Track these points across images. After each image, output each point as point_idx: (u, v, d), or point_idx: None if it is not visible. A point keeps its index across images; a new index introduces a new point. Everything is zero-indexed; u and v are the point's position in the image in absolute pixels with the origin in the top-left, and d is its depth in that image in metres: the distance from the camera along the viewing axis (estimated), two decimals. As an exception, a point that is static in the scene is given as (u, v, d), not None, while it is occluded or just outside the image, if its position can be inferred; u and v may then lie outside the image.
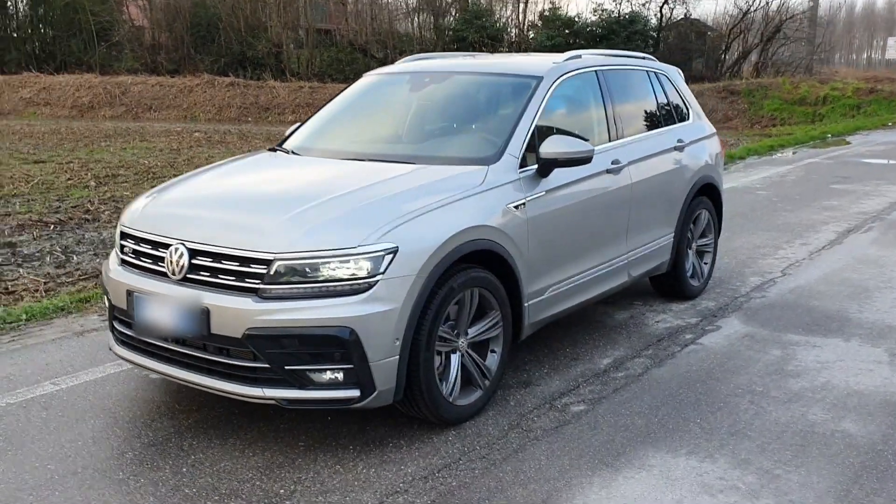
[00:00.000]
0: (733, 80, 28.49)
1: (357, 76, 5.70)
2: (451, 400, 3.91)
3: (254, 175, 4.60)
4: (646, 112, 5.77)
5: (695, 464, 3.60)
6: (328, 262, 3.49)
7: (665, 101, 5.91)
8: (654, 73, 5.91)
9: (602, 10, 31.37)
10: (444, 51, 28.68)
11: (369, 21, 33.91)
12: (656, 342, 5.18)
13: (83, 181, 12.20)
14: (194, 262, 3.65)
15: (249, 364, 3.55)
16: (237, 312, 3.51)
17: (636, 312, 5.79)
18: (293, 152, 4.86)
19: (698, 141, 6.07)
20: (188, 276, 3.66)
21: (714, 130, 6.47)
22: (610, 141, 5.12)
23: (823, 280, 6.59)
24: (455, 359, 3.97)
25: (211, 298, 3.55)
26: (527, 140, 4.42)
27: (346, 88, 5.49)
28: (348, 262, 3.50)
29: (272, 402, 3.58)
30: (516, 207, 4.21)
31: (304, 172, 4.51)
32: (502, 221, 4.11)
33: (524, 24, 33.95)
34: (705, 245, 6.26)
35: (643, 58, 6.05)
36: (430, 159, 4.40)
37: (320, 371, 3.53)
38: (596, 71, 5.21)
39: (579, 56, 5.21)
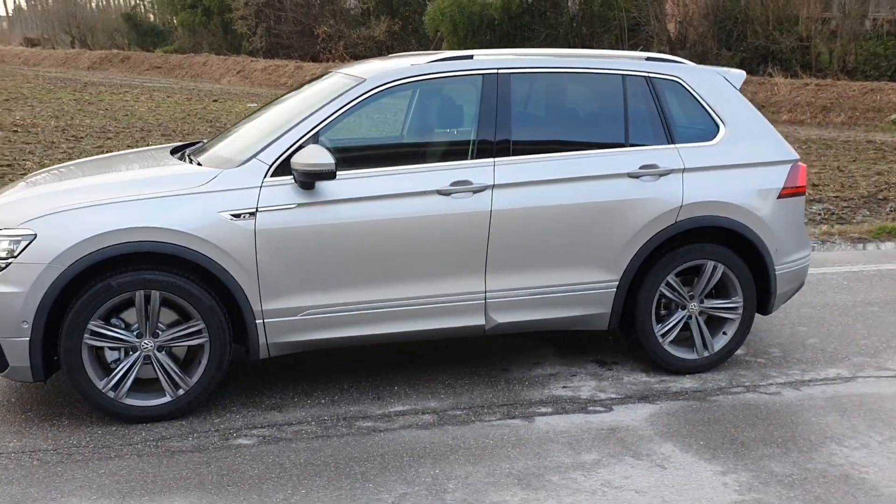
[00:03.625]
0: None
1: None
2: (113, 396, 3.95)
3: (92, 166, 4.86)
4: (588, 126, 4.63)
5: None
6: None
7: (645, 115, 4.58)
8: (645, 78, 4.61)
9: None
10: None
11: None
12: (488, 406, 4.26)
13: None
14: None
15: None
16: None
17: (571, 372, 4.72)
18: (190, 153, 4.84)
19: (714, 169, 4.58)
20: None
21: (783, 158, 4.76)
22: (474, 158, 4.30)
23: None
24: (132, 358, 3.97)
25: None
26: (294, 147, 4.08)
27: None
28: None
29: None
30: (236, 216, 3.96)
31: (117, 169, 4.72)
32: (204, 228, 3.91)
33: None
34: (726, 310, 4.72)
35: (661, 60, 4.75)
36: (219, 161, 4.30)
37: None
38: (484, 75, 4.39)
39: (469, 57, 4.46)
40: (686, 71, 4.73)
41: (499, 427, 4.02)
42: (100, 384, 3.94)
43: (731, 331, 4.75)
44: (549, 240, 4.36)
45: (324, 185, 4.06)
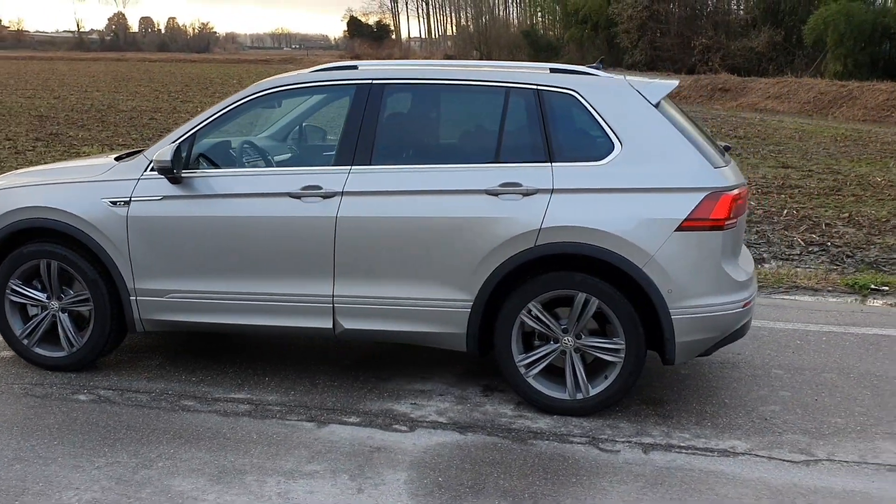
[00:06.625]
0: None
1: None
2: (26, 343, 4.82)
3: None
4: (459, 140, 4.46)
5: None
6: None
7: (524, 130, 4.25)
8: (535, 91, 4.27)
9: None
10: None
11: None
12: (308, 408, 4.34)
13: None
14: None
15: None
16: None
17: (444, 391, 4.58)
18: None
19: (590, 192, 4.11)
20: None
21: (696, 185, 4.07)
22: (335, 164, 4.42)
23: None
24: (41, 315, 4.80)
25: None
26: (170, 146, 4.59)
27: None
28: None
29: None
30: (113, 203, 4.59)
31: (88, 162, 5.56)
32: (87, 212, 4.57)
33: None
34: (605, 350, 4.22)
35: (563, 71, 4.39)
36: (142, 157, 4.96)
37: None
38: (358, 85, 4.46)
39: (353, 67, 4.58)
40: (585, 84, 4.28)
41: (284, 426, 4.11)
42: (17, 333, 4.81)
43: (612, 375, 4.21)
44: (396, 251, 4.29)
45: (192, 181, 4.50)
